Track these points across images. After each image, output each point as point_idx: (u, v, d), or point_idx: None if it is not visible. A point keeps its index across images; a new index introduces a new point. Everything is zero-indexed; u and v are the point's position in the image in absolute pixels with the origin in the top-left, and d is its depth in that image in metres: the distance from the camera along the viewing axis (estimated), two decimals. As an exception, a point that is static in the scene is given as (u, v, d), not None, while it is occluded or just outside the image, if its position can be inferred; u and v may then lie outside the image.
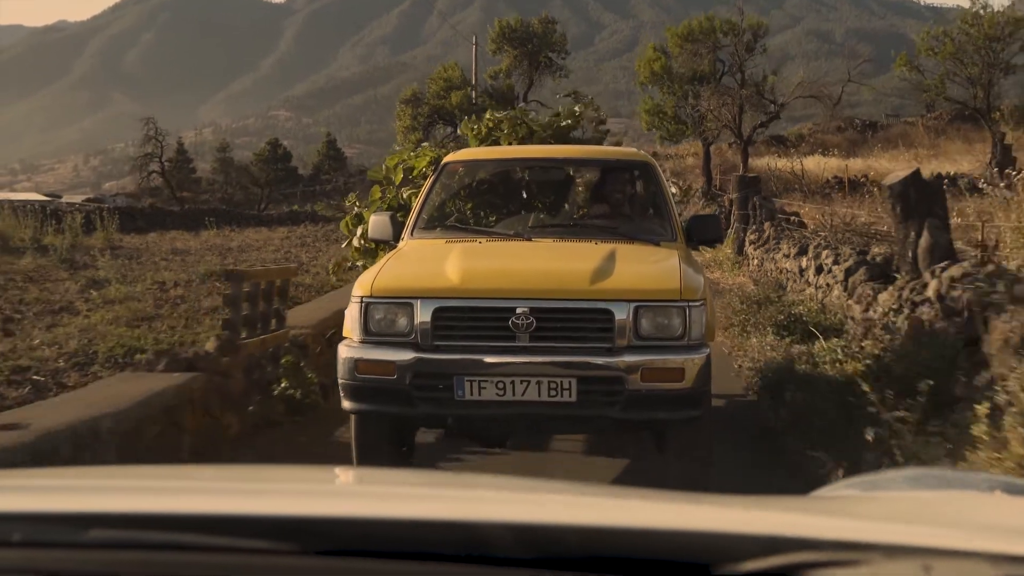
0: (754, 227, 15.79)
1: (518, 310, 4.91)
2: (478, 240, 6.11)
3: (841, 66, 36.82)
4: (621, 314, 4.91)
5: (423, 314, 4.96)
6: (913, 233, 7.46)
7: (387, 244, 6.52)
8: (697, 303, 5.00)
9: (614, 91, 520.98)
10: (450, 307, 5.01)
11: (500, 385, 4.88)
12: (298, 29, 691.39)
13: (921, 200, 7.90)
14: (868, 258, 9.66)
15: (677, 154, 34.17)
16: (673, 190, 10.70)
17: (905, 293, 7.07)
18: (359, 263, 8.59)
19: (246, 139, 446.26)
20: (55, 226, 19.57)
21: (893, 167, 30.72)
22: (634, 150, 8.59)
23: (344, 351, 5.15)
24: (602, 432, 5.56)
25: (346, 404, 5.16)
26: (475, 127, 9.56)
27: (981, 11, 25.93)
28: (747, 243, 16.14)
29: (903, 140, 34.33)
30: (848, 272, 9.80)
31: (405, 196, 8.47)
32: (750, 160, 31.22)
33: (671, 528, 0.97)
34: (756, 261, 15.19)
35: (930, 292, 6.68)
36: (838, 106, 34.08)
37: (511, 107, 32.42)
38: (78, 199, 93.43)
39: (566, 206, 7.47)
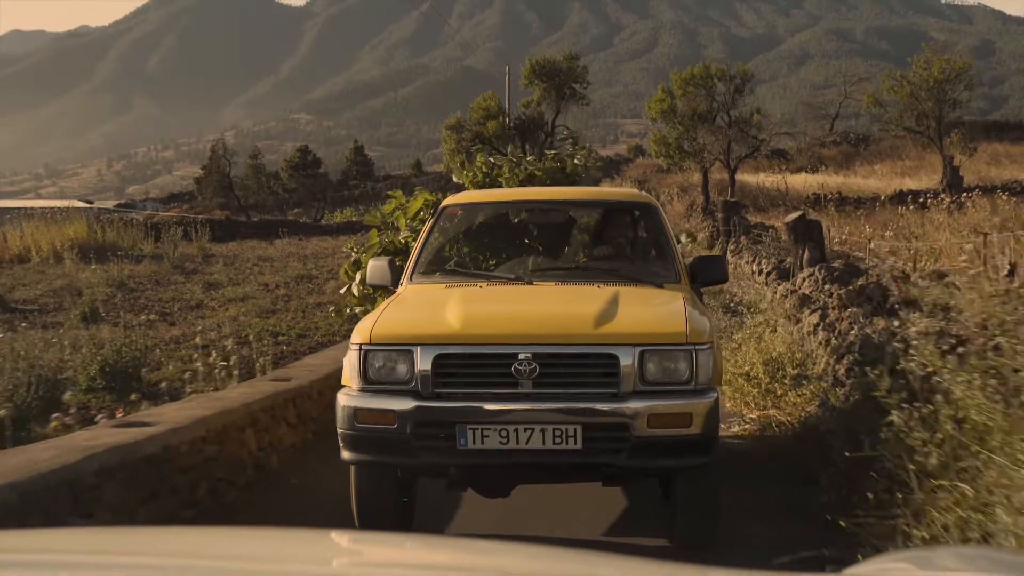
0: (734, 239, 19.65)
1: (520, 356, 4.76)
2: (478, 284, 5.93)
3: (859, 64, 40.55)
4: (626, 359, 4.77)
5: (423, 361, 4.80)
6: (801, 250, 11.17)
7: (385, 289, 6.42)
8: (704, 347, 4.87)
9: (633, 92, 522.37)
10: (451, 354, 4.84)
11: (503, 433, 4.71)
12: (318, 32, 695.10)
13: (805, 231, 12.24)
14: (781, 264, 13.53)
15: (683, 174, 39.24)
16: (682, 238, 10.91)
17: (792, 286, 10.60)
18: (358, 309, 8.49)
19: (268, 142, 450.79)
20: (154, 236, 23.14)
21: (867, 184, 34.80)
22: (635, 191, 8.63)
23: (343, 399, 4.97)
24: (608, 481, 5.27)
25: (345, 455, 4.97)
26: (470, 173, 9.55)
27: (930, 60, 31.25)
28: (728, 252, 20.11)
29: (892, 153, 37.51)
30: (767, 273, 13.73)
31: (403, 239, 8.50)
32: (746, 175, 37.81)
33: None
34: (732, 266, 19.22)
35: (799, 284, 10.30)
36: (838, 119, 38.83)
37: (540, 131, 36.72)
38: (109, 204, 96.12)
39: (567, 249, 7.39)
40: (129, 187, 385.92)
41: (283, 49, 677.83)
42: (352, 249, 9.23)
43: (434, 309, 5.26)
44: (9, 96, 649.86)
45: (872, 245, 13.54)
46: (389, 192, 9.69)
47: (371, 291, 8.00)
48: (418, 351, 4.81)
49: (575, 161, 10.15)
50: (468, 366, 4.85)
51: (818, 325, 8.77)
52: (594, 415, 4.74)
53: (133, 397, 8.10)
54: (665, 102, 38.34)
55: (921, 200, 18.98)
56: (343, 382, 5.12)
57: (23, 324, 13.24)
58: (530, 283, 5.95)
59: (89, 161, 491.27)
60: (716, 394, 4.94)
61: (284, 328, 12.58)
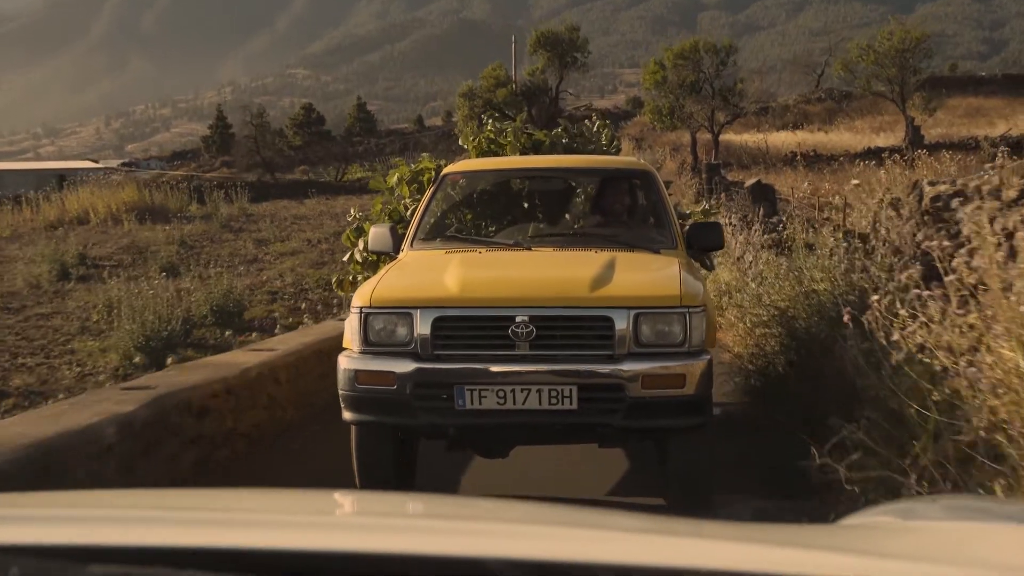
0: (715, 196, 22.03)
1: (517, 319, 4.85)
2: (478, 250, 6.02)
3: (858, 10, 43.73)
4: (621, 321, 4.85)
5: (423, 324, 4.89)
6: (757, 207, 13.68)
7: (387, 256, 6.51)
8: (697, 309, 4.94)
9: (631, 40, 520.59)
10: (450, 316, 4.93)
11: (501, 394, 4.81)
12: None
13: (760, 192, 15.30)
14: (745, 217, 16.13)
15: (676, 133, 42.84)
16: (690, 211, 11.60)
17: (752, 236, 13.10)
18: (360, 276, 8.57)
19: (265, 98, 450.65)
20: (197, 198, 25.49)
21: (842, 140, 37.64)
22: (634, 159, 8.65)
23: (344, 362, 5.07)
24: (604, 441, 5.39)
25: (346, 415, 5.07)
26: (475, 139, 9.50)
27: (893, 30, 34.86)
28: (712, 205, 23.03)
29: (872, 109, 40.08)
30: (733, 225, 16.41)
31: (406, 207, 8.55)
32: (732, 135, 41.95)
33: (695, 568, 0.96)
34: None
35: (752, 234, 12.83)
36: (823, 77, 42.06)
37: (546, 97, 39.69)
38: (114, 163, 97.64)
39: (566, 216, 7.52)
40: (128, 145, 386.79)
41: (278, 3, 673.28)
42: (356, 216, 9.09)
43: (434, 274, 5.32)
44: (3, 55, 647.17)
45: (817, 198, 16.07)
46: (395, 160, 9.74)
47: (375, 258, 7.95)
48: (417, 314, 4.87)
49: (602, 142, 10.23)
50: (466, 328, 4.92)
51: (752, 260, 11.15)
52: (589, 376, 4.82)
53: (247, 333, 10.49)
54: (658, 74, 42.93)
55: (881, 157, 21.39)
56: (344, 344, 5.17)
57: (113, 278, 15.57)
58: (529, 249, 5.97)
59: (87, 120, 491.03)
60: (709, 356, 5.00)
61: (335, 277, 14.87)
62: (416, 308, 4.90)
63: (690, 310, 4.87)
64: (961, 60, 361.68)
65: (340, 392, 5.04)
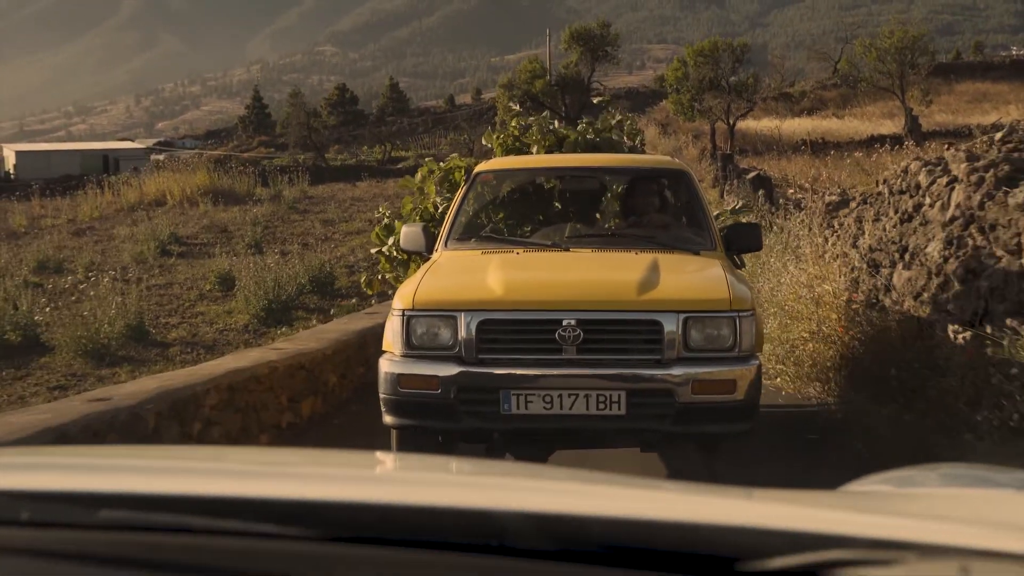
0: (729, 182, 24.24)
1: (564, 322, 4.73)
2: (515, 251, 5.90)
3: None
4: (670, 325, 4.73)
5: (467, 327, 4.78)
6: (760, 191, 16.22)
7: (419, 255, 6.40)
8: (747, 313, 4.86)
9: (659, 16, 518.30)
10: (495, 319, 4.83)
11: (547, 399, 4.72)
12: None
13: (760, 183, 18.05)
14: (747, 202, 18.71)
15: (699, 121, 46.28)
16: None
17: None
18: (389, 275, 8.42)
19: (294, 75, 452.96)
20: (261, 181, 27.99)
21: (851, 127, 40.38)
22: (668, 158, 8.69)
23: (385, 365, 4.96)
24: (647, 447, 5.27)
25: (388, 419, 5.00)
26: (500, 136, 9.32)
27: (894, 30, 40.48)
28: (726, 192, 25.11)
29: (884, 95, 42.29)
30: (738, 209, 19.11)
31: (438, 206, 8.32)
32: (750, 122, 47.31)
33: (697, 521, 0.96)
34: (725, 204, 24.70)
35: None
36: (839, 62, 45.53)
37: (581, 90, 42.46)
38: (150, 142, 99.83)
39: (599, 215, 7.40)
40: (158, 123, 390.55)
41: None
42: (384, 214, 8.92)
43: (475, 275, 5.24)
44: (34, 34, 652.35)
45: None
46: (425, 160, 9.46)
47: (405, 256, 7.80)
48: (462, 317, 4.78)
49: (623, 132, 9.91)
50: (512, 332, 4.83)
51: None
52: (638, 381, 4.73)
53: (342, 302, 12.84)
54: (680, 71, 47.44)
55: (874, 148, 23.92)
56: (384, 348, 5.05)
57: (206, 256, 17.98)
58: (566, 250, 5.83)
59: (117, 98, 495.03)
60: (758, 361, 4.93)
61: (364, 277, 17.25)
62: (460, 311, 4.82)
63: (740, 314, 4.80)
64: (992, 33, 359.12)
65: (381, 396, 4.96)
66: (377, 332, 9.24)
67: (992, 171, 5.59)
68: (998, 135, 6.65)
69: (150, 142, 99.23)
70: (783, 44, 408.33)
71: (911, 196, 6.94)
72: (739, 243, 6.13)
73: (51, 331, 11.27)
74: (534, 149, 9.04)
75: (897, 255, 6.76)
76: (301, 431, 6.33)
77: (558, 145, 9.08)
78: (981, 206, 5.59)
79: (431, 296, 4.96)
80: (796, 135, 39.24)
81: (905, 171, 7.20)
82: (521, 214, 7.19)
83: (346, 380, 7.56)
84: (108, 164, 63.64)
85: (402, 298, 4.97)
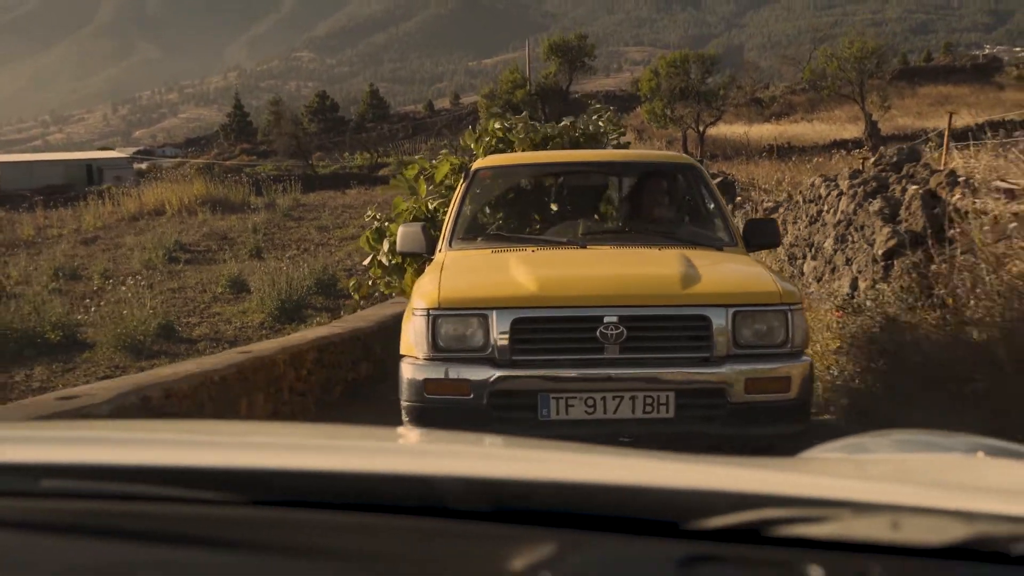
0: None
1: (606, 319, 4.42)
2: (530, 248, 5.51)
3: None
4: (719, 320, 4.44)
5: (500, 326, 4.44)
6: (725, 195, 17.69)
7: (418, 257, 6.20)
8: (797, 307, 4.61)
9: (636, 19, 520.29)
10: (530, 317, 4.47)
11: (590, 402, 4.40)
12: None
13: (723, 187, 18.76)
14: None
15: (672, 128, 48.15)
16: None
17: None
18: (382, 280, 8.03)
19: (271, 82, 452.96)
20: (255, 190, 29.20)
21: (816, 131, 42.17)
22: (676, 153, 8.12)
23: (408, 370, 4.58)
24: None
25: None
26: (480, 137, 8.83)
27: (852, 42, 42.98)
28: None
29: (849, 100, 44.22)
30: None
31: (432, 206, 7.88)
32: (721, 128, 49.58)
33: (636, 484, 0.96)
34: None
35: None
36: (805, 69, 47.75)
37: (560, 99, 44.33)
38: (129, 151, 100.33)
39: (612, 211, 7.01)
40: (136, 131, 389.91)
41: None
42: (374, 217, 8.42)
43: (501, 272, 4.91)
44: (9, 43, 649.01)
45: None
46: (416, 158, 9.02)
47: (399, 261, 7.45)
48: (493, 315, 4.48)
49: (599, 124, 9.37)
50: (549, 331, 4.52)
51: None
52: (688, 381, 4.45)
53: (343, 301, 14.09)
54: (653, 81, 49.26)
55: (831, 152, 25.61)
56: (404, 351, 4.72)
57: (213, 262, 19.19)
58: (583, 247, 5.51)
59: (94, 106, 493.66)
60: (809, 358, 4.72)
61: (352, 282, 18.52)
62: (492, 309, 4.49)
63: (791, 308, 4.57)
64: (966, 32, 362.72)
65: (404, 403, 4.62)
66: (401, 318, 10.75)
67: (863, 186, 7.11)
68: (871, 160, 8.21)
69: (129, 151, 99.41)
70: (759, 45, 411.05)
71: (815, 204, 8.55)
72: (758, 239, 5.82)
73: (87, 330, 12.50)
74: (518, 148, 8.52)
75: (807, 249, 8.30)
76: (360, 384, 7.78)
77: (543, 143, 8.64)
78: (855, 212, 7.03)
79: (459, 293, 4.62)
80: (764, 140, 41.16)
81: (812, 185, 8.76)
82: (522, 212, 6.90)
83: (387, 351, 9.15)
84: (92, 174, 64.18)
85: (425, 296, 4.60)
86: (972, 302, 5.16)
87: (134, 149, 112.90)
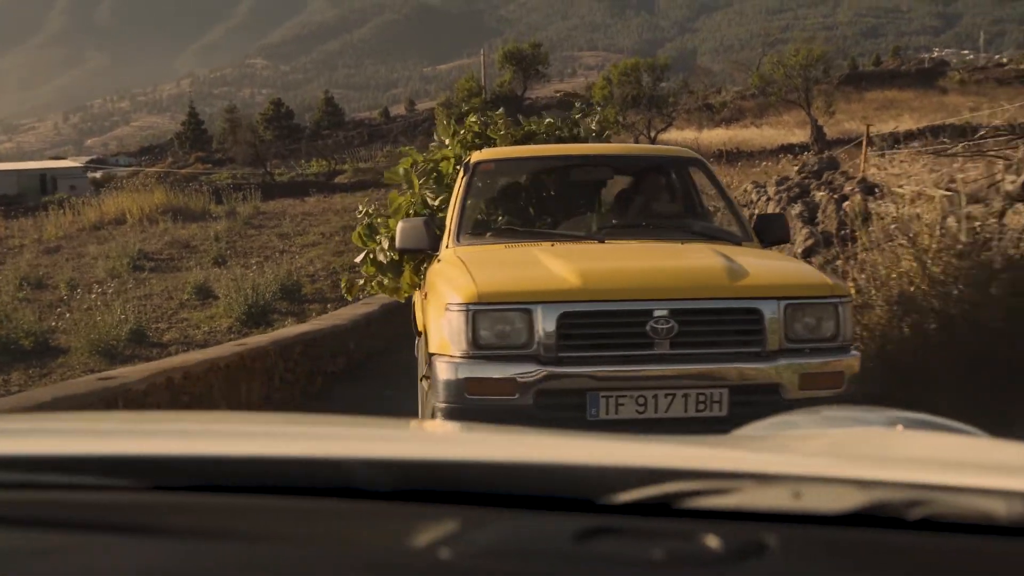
0: None
1: (656, 313, 4.25)
2: (549, 243, 5.26)
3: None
4: (771, 313, 4.31)
5: (546, 321, 4.25)
6: None
7: (418, 254, 6.03)
8: (847, 299, 4.51)
9: (589, 23, 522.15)
10: (577, 312, 4.29)
11: (641, 401, 4.25)
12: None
13: None
14: None
15: (628, 134, 49.68)
16: None
17: None
18: (376, 280, 7.66)
19: (224, 89, 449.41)
20: (215, 199, 29.54)
21: (764, 136, 43.34)
22: (679, 148, 8.08)
23: (445, 370, 4.36)
24: None
25: None
26: (454, 133, 7.97)
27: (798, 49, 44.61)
28: None
29: (802, 103, 45.46)
30: None
31: (432, 201, 7.35)
32: (674, 131, 50.82)
33: (545, 462, 0.97)
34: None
35: None
36: (754, 73, 49.10)
37: (515, 106, 45.31)
38: (82, 160, 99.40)
39: (614, 207, 6.57)
40: (88, 140, 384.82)
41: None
42: (366, 213, 8.00)
43: (534, 266, 4.69)
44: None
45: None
46: (403, 148, 8.61)
47: (396, 258, 7.02)
48: (539, 310, 4.29)
49: (591, 125, 9.02)
50: (596, 325, 4.37)
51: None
52: (742, 377, 4.34)
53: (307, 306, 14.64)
54: (606, 89, 50.67)
55: (778, 157, 26.56)
56: (435, 349, 4.54)
57: (177, 270, 19.60)
58: (602, 241, 5.32)
59: (45, 115, 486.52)
60: (858, 352, 4.60)
61: (344, 281, 19.02)
62: (536, 303, 4.31)
63: (841, 300, 4.47)
64: (915, 36, 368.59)
65: (440, 405, 4.40)
66: (373, 317, 11.45)
67: (787, 192, 7.80)
68: (796, 167, 8.92)
69: (82, 159, 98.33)
70: (712, 49, 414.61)
71: (747, 208, 9.18)
72: (769, 235, 5.69)
73: (59, 337, 12.94)
74: (499, 144, 7.95)
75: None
76: (338, 376, 8.73)
77: (524, 140, 8.15)
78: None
79: (500, 287, 4.44)
80: (714, 145, 42.21)
81: (745, 190, 9.41)
82: (521, 207, 6.52)
83: (359, 346, 10.43)
84: (45, 184, 63.74)
85: (460, 291, 4.40)
86: (873, 292, 5.86)
87: (87, 158, 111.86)
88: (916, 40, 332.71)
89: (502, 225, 5.94)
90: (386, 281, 7.25)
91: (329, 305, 14.64)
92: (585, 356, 4.35)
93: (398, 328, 10.74)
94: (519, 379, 4.28)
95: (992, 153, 8.00)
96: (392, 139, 75.23)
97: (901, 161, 8.09)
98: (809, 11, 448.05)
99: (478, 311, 4.32)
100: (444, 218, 6.20)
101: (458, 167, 6.76)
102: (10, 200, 42.34)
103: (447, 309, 4.41)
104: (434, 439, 1.22)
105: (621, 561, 0.79)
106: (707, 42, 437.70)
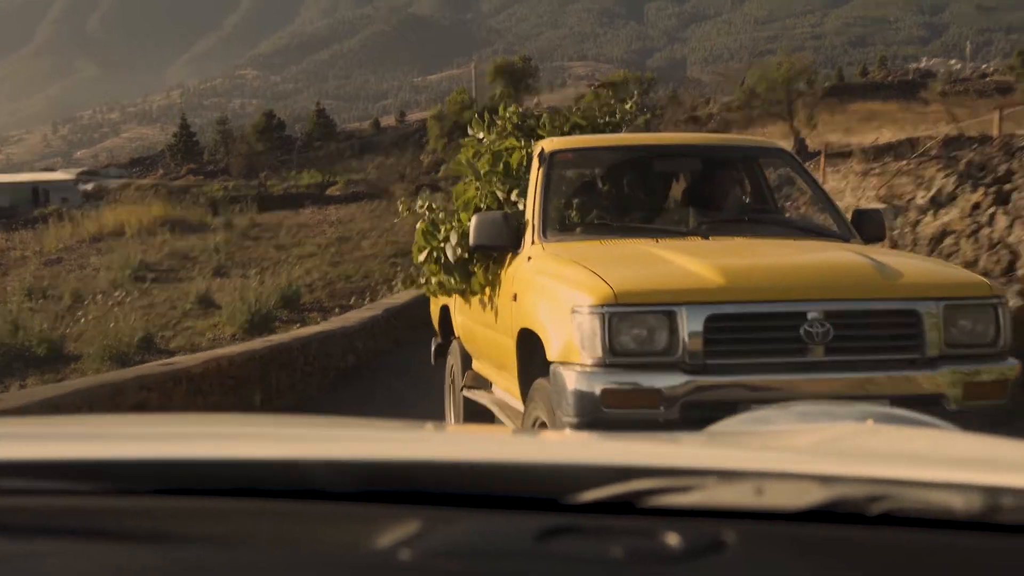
0: None
1: (810, 315, 3.88)
2: (653, 240, 4.79)
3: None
4: (931, 316, 3.93)
5: (692, 324, 3.85)
6: None
7: (491, 252, 5.39)
8: (1005, 301, 4.16)
9: (579, 33, 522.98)
10: (726, 314, 3.92)
11: None
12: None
13: None
14: None
15: None
16: None
17: None
18: (435, 279, 6.74)
19: (215, 99, 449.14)
20: (212, 211, 30.17)
21: None
22: (766, 139, 7.46)
23: (575, 380, 3.93)
24: None
25: None
26: (500, 121, 6.60)
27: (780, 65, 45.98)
28: None
29: (789, 114, 46.26)
30: None
31: (503, 194, 6.26)
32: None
33: (509, 461, 0.97)
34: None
35: None
36: (743, 85, 49.93)
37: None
38: (72, 171, 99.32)
39: (717, 199, 5.65)
40: (77, 151, 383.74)
41: (225, 3, 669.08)
42: (428, 205, 7.06)
43: (663, 263, 4.29)
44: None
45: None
46: (463, 140, 7.37)
47: (466, 256, 6.14)
48: (683, 312, 3.88)
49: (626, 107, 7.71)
50: (746, 329, 4.00)
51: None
52: (904, 386, 3.95)
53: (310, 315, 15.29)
54: (594, 102, 51.59)
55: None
56: (557, 358, 4.10)
57: (178, 280, 20.21)
58: (705, 237, 4.88)
59: (34, 126, 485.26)
60: (1017, 361, 4.12)
61: (352, 273, 19.68)
62: (680, 305, 3.92)
63: (1000, 301, 4.13)
64: (902, 45, 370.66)
65: (568, 420, 3.96)
66: (378, 320, 12.25)
67: None
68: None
69: (72, 171, 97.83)
70: (701, 59, 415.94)
71: None
72: (868, 232, 5.29)
73: (71, 344, 13.55)
74: (545, 136, 6.95)
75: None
76: (348, 372, 9.98)
77: (575, 131, 7.01)
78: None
79: (639, 287, 4.02)
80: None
81: None
82: (595, 200, 5.94)
83: (367, 346, 11.53)
84: (38, 196, 64.01)
85: (595, 292, 3.96)
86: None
87: (77, 170, 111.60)
88: (904, 49, 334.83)
89: (594, 219, 5.48)
90: (453, 282, 6.32)
91: (330, 314, 15.27)
92: (734, 363, 4.00)
93: (400, 332, 11.84)
94: (665, 389, 3.89)
95: (908, 170, 8.66)
96: (383, 150, 75.76)
97: (856, 175, 8.67)
98: (798, 21, 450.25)
99: (615, 313, 3.90)
100: (512, 213, 5.59)
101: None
102: (3, 213, 42.73)
103: (574, 312, 3.99)
104: (397, 440, 1.21)
105: (582, 560, 0.80)
106: (696, 52, 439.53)
